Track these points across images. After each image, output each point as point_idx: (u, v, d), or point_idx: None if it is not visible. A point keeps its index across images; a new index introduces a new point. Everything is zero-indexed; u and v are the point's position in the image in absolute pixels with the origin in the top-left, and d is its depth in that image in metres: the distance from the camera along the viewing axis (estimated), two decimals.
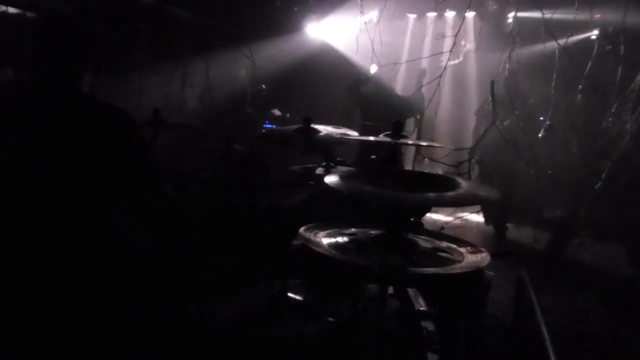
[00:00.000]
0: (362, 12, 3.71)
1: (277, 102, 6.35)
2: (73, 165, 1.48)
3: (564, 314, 3.66)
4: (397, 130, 2.40)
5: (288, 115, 6.27)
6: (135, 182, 1.60)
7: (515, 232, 4.31)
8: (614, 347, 3.32)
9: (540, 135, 3.81)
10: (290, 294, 1.62)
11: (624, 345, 3.34)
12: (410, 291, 2.03)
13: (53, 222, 1.46)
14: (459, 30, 3.00)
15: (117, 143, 1.53)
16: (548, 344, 2.19)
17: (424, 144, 4.10)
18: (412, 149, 5.36)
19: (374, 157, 2.77)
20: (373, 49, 3.47)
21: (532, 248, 3.66)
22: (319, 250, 1.37)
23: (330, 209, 2.19)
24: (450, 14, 6.41)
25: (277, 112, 6.37)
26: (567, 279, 4.25)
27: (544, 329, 2.32)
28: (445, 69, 3.42)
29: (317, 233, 1.53)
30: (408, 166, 5.28)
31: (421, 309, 1.90)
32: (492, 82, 3.45)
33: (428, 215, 4.58)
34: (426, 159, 5.73)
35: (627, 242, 4.46)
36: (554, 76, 3.13)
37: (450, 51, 3.12)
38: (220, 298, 1.77)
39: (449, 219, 4.97)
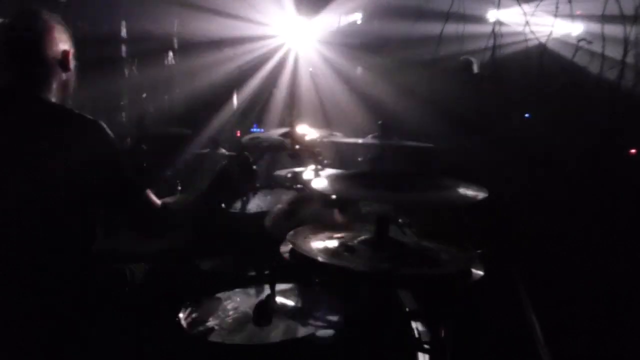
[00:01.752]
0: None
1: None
2: (40, 175, 1.43)
3: (555, 310, 3.68)
4: (385, 131, 2.41)
5: (289, 120, 6.22)
6: (112, 190, 1.56)
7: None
8: (606, 343, 3.34)
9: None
10: (279, 299, 1.61)
11: (615, 340, 3.37)
12: (401, 292, 2.03)
13: (25, 232, 1.43)
14: (441, 31, 3.01)
15: (86, 152, 1.47)
16: (541, 340, 2.20)
17: (411, 143, 4.11)
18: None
19: (360, 159, 2.78)
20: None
21: (521, 244, 3.67)
22: (308, 254, 1.36)
23: (319, 212, 2.19)
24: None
25: None
26: (558, 274, 4.29)
27: (537, 325, 2.33)
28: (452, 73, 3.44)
29: (305, 237, 1.52)
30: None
31: (412, 309, 1.91)
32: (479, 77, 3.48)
33: None
34: None
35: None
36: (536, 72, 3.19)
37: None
38: (210, 303, 1.75)
39: None
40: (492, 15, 3.76)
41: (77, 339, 1.48)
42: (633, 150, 4.88)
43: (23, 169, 1.43)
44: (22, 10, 1.60)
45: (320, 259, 1.34)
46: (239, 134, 5.72)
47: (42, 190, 1.43)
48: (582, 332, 3.31)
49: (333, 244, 1.51)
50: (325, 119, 4.68)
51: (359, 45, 5.38)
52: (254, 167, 2.50)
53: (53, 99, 1.58)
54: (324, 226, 1.67)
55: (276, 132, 2.84)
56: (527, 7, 2.85)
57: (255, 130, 6.13)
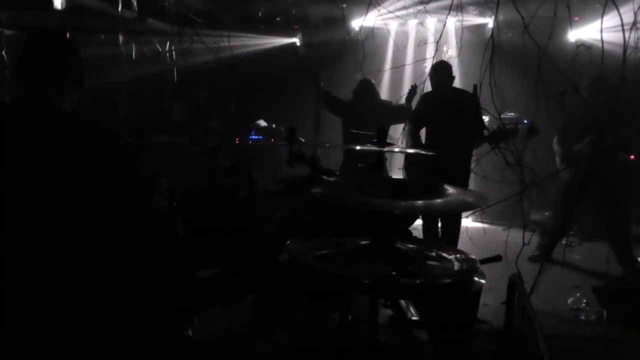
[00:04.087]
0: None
1: (262, 112, 6.34)
2: (53, 181, 1.45)
3: (555, 315, 3.68)
4: (382, 137, 2.40)
5: (274, 125, 6.25)
6: (121, 197, 1.59)
7: (503, 235, 4.33)
8: (606, 347, 3.33)
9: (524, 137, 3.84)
10: (279, 307, 1.59)
11: (616, 344, 3.36)
12: (402, 300, 2.01)
13: (35, 236, 1.44)
14: (440, 37, 3.02)
15: (98, 159, 1.52)
16: (543, 347, 2.17)
17: (410, 150, 4.11)
18: (400, 156, 5.36)
19: (360, 165, 2.76)
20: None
21: (522, 250, 3.68)
22: (307, 263, 1.34)
23: (318, 220, 2.17)
24: (431, 21, 6.45)
25: (262, 123, 6.36)
26: (558, 280, 4.28)
27: (539, 331, 2.30)
28: (428, 75, 3.44)
29: (304, 245, 1.51)
30: (395, 173, 5.28)
31: (413, 318, 1.88)
32: (475, 86, 3.47)
33: (419, 222, 4.58)
34: None
35: (613, 241, 4.51)
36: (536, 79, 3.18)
37: (433, 57, 3.14)
38: (209, 312, 1.73)
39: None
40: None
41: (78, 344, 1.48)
42: (632, 157, 4.90)
43: (43, 174, 1.46)
44: (43, 31, 1.72)
45: (317, 267, 1.32)
46: (237, 141, 5.72)
47: (58, 191, 1.46)
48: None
49: (332, 251, 1.49)
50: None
51: None
52: (252, 174, 2.50)
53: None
54: (324, 234, 1.65)
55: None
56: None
57: (253, 137, 6.13)
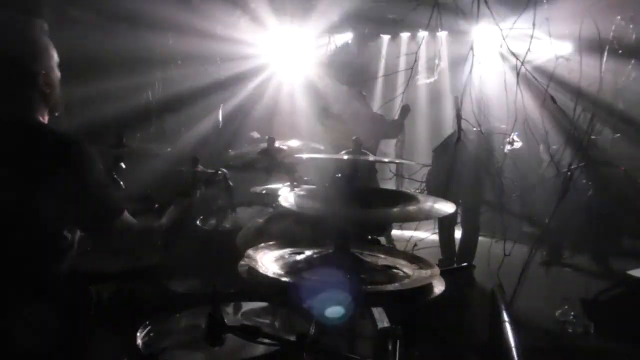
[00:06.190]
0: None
1: (255, 124, 6.36)
2: (17, 194, 1.41)
3: (543, 327, 3.65)
4: (357, 147, 2.41)
5: (267, 137, 6.28)
6: (84, 214, 1.53)
7: (494, 246, 4.32)
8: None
9: (506, 150, 3.85)
10: (239, 317, 1.59)
11: (603, 357, 3.34)
12: (375, 310, 2.00)
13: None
14: (418, 49, 3.06)
15: (66, 171, 1.42)
16: (516, 355, 2.17)
17: (397, 161, 4.13)
18: (390, 167, 5.38)
19: (339, 175, 2.78)
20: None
21: (508, 262, 3.67)
22: (263, 271, 1.34)
23: (293, 229, 2.17)
24: (422, 34, 6.52)
25: (256, 135, 6.38)
26: (546, 292, 4.26)
27: (513, 344, 2.30)
28: (407, 85, 3.47)
29: (265, 254, 1.51)
30: (385, 184, 5.29)
31: (384, 326, 1.87)
32: (456, 98, 3.50)
33: (401, 232, 4.59)
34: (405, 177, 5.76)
35: (592, 252, 4.52)
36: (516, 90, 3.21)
37: (412, 69, 3.17)
38: (172, 321, 1.71)
39: (426, 234, 4.97)
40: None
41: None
42: (622, 168, 4.92)
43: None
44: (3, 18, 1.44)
45: (272, 275, 1.32)
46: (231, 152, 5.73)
47: (8, 208, 1.41)
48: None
49: (293, 260, 1.49)
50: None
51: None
52: (231, 183, 2.50)
53: (38, 117, 1.51)
54: (289, 242, 1.66)
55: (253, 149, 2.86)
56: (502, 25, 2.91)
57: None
